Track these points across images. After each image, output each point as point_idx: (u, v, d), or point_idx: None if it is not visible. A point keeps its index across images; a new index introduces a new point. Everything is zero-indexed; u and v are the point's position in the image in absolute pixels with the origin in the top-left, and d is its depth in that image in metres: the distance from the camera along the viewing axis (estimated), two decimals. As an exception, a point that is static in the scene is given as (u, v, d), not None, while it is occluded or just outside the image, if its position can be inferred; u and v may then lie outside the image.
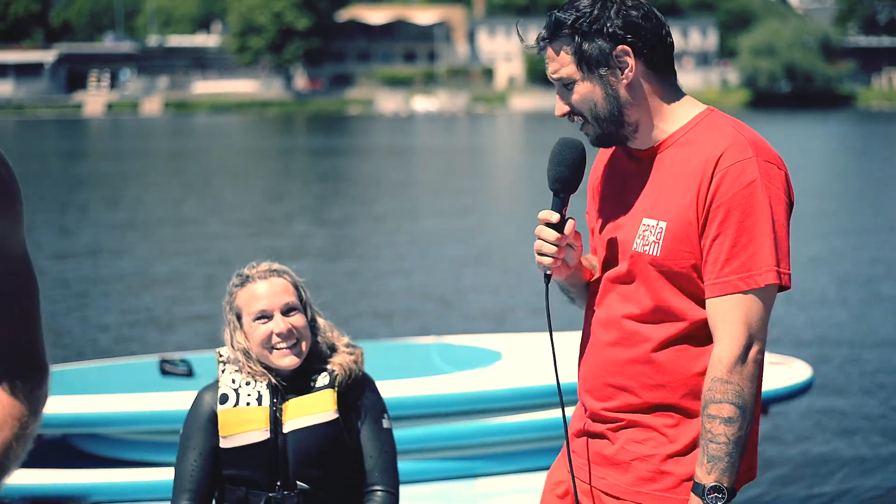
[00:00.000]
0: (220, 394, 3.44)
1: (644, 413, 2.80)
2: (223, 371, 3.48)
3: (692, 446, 2.75)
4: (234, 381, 3.45)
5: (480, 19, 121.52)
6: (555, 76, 2.80)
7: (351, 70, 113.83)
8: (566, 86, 2.78)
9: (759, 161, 2.66)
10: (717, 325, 2.66)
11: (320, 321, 3.55)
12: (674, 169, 2.73)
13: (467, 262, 16.25)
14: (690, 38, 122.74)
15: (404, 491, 5.79)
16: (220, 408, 3.42)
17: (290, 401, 3.41)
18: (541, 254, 2.83)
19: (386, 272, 15.32)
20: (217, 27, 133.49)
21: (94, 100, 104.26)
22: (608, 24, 2.67)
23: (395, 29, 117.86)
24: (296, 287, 3.49)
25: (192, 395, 3.60)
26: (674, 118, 2.78)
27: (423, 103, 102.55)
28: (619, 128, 2.77)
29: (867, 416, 8.73)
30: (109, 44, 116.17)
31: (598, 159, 3.04)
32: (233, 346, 3.48)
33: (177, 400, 5.60)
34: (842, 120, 78.67)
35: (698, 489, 2.63)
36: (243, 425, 3.39)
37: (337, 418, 3.41)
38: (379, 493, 3.43)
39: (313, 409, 3.39)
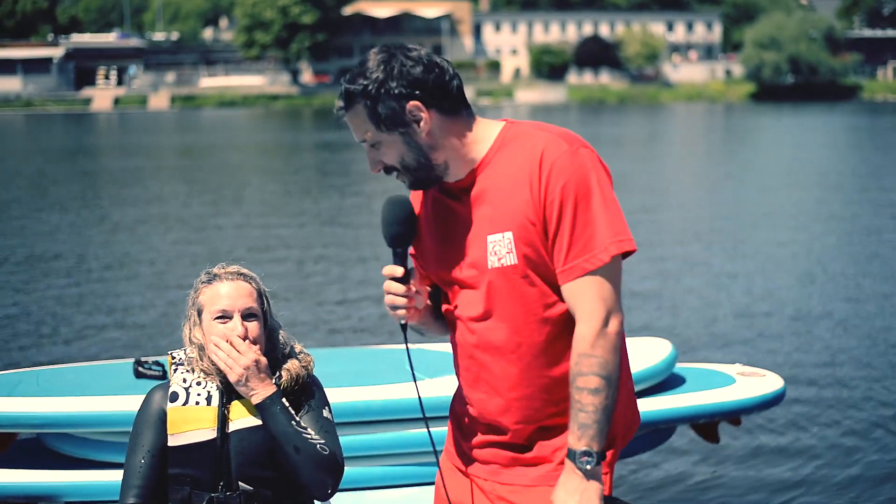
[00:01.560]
0: (170, 392, 3.45)
1: (556, 414, 3.02)
2: (175, 371, 3.50)
3: None
4: (185, 381, 3.47)
5: (486, 13, 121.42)
6: (360, 140, 2.99)
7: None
8: (373, 146, 2.96)
9: (574, 149, 2.87)
10: (575, 306, 2.87)
11: (281, 333, 3.60)
12: (498, 184, 2.93)
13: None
14: (695, 30, 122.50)
15: (380, 495, 5.94)
16: (169, 406, 3.43)
17: (237, 402, 3.44)
18: (394, 307, 3.06)
19: (370, 278, 15.43)
20: (224, 22, 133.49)
21: (102, 95, 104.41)
22: (394, 86, 2.86)
23: (401, 23, 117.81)
24: (259, 295, 3.52)
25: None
26: (479, 143, 2.98)
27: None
28: (429, 171, 2.97)
29: (840, 426, 8.83)
30: (117, 39, 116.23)
31: (413, 203, 3.17)
32: (190, 341, 3.52)
33: (148, 401, 5.74)
34: (846, 112, 78.34)
35: (571, 454, 2.84)
36: (191, 423, 3.41)
37: None
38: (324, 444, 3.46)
39: (256, 411, 3.43)
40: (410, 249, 3.17)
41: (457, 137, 2.96)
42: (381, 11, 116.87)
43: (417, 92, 2.89)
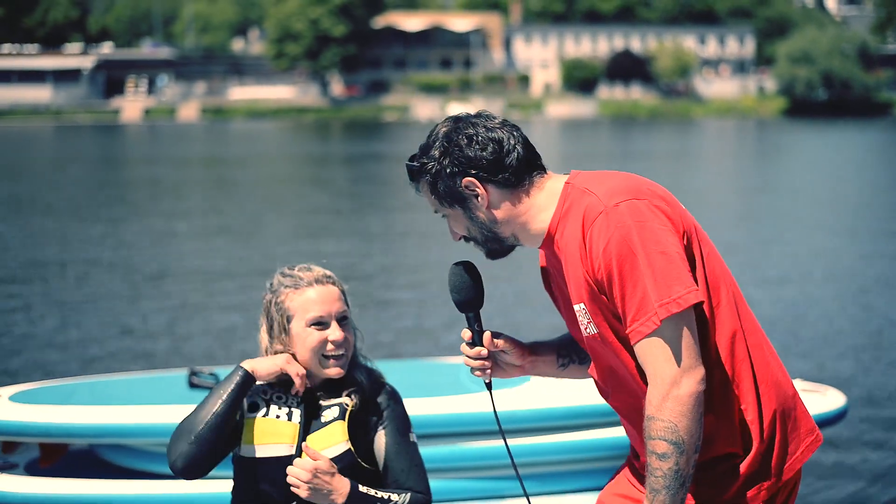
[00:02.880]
0: (250, 402, 3.40)
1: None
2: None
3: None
4: (265, 393, 3.41)
5: (516, 26, 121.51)
6: (434, 211, 3.06)
7: (387, 77, 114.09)
8: (444, 217, 3.05)
9: (610, 208, 2.79)
10: (644, 369, 2.81)
11: (358, 334, 3.54)
12: (566, 253, 2.92)
13: (498, 281, 16.21)
14: (728, 45, 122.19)
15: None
16: (248, 416, 3.38)
17: (313, 426, 3.39)
18: (472, 368, 3.14)
19: (416, 288, 15.30)
20: (254, 33, 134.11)
21: (132, 105, 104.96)
22: (447, 164, 2.93)
23: (431, 36, 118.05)
24: (344, 296, 3.48)
25: None
26: (545, 211, 2.98)
27: (458, 110, 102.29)
28: (499, 244, 3.03)
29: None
30: (147, 50, 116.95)
31: (542, 270, 3.22)
32: (266, 350, 3.44)
33: (204, 412, 5.60)
34: (880, 128, 78.03)
35: None
36: (269, 437, 3.35)
37: (348, 449, 3.36)
38: (413, 493, 3.38)
39: (324, 443, 3.36)
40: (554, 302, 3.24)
41: (519, 209, 2.99)
42: (412, 24, 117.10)
43: (472, 170, 2.94)
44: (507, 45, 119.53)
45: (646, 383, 2.85)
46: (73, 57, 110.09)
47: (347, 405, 3.39)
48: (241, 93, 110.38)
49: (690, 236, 2.86)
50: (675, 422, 2.72)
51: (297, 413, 3.37)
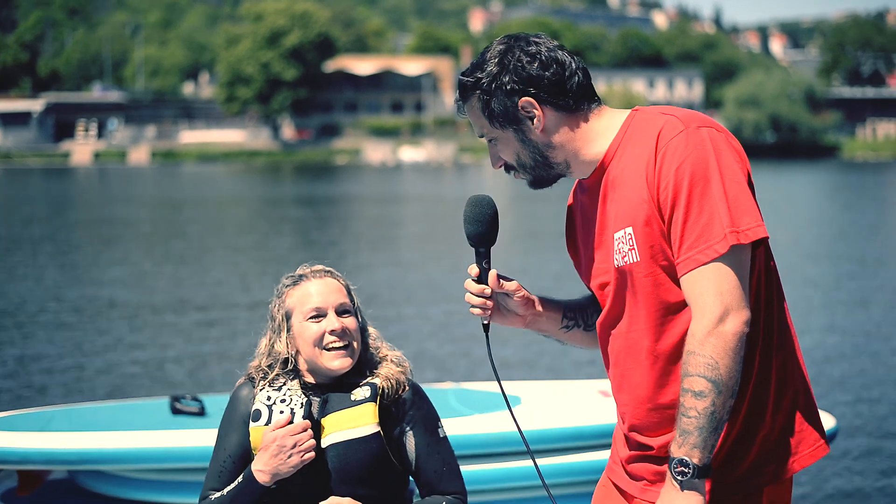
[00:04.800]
0: (252, 410, 3.28)
1: None
2: (261, 389, 3.31)
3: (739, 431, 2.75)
4: (268, 398, 3.29)
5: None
6: (479, 135, 2.91)
7: (338, 120, 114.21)
8: (490, 142, 2.88)
9: (692, 129, 2.66)
10: (690, 301, 2.64)
11: (371, 330, 3.42)
12: (622, 176, 2.77)
13: (464, 314, 16.17)
14: (676, 89, 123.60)
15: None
16: (252, 425, 3.26)
17: (329, 416, 3.24)
18: (471, 305, 2.99)
19: (400, 318, 15.26)
20: (205, 77, 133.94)
21: (82, 149, 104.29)
22: (506, 81, 2.77)
23: (383, 80, 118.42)
24: (348, 290, 3.39)
25: (204, 433, 3.47)
26: (602, 137, 2.84)
27: (410, 153, 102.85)
28: (548, 170, 2.87)
29: (894, 470, 8.66)
30: (97, 93, 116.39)
31: (568, 210, 3.11)
32: (269, 354, 3.33)
33: (188, 438, 5.52)
34: (827, 170, 79.02)
35: (670, 462, 2.61)
36: None
37: (378, 432, 3.23)
38: (452, 497, 3.29)
39: (353, 423, 3.23)
40: (573, 261, 3.11)
41: (576, 134, 2.83)
42: (363, 68, 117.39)
43: (531, 89, 2.78)
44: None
45: (661, 331, 2.73)
46: (23, 100, 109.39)
47: (380, 386, 3.28)
48: (192, 136, 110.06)
49: (751, 184, 2.74)
50: (718, 359, 2.55)
51: (299, 414, 3.24)
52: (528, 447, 3.04)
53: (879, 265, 21.95)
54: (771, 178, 64.55)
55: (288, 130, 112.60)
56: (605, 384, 6.54)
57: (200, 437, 5.52)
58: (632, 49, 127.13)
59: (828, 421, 6.35)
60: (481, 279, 2.96)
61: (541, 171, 2.87)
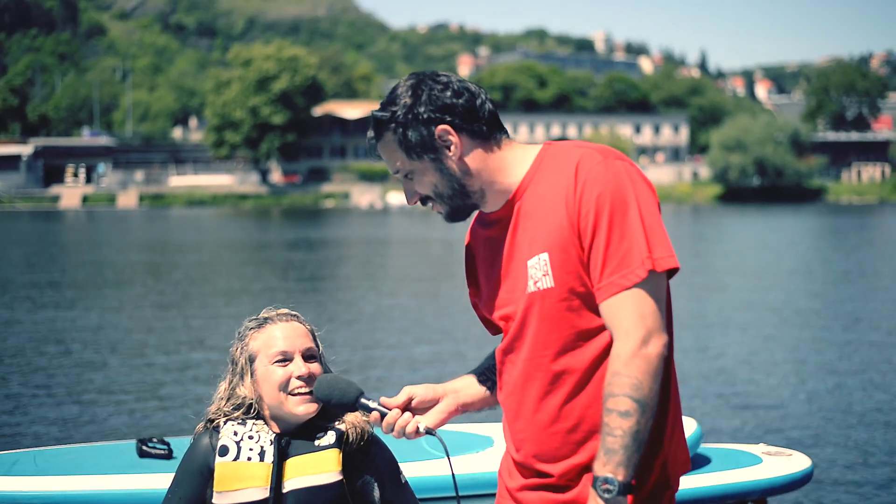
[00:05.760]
0: (220, 444, 3.17)
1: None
2: (225, 423, 3.23)
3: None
4: (235, 434, 3.19)
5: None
6: (393, 171, 2.92)
7: (326, 164, 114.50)
8: (406, 176, 2.89)
9: (610, 160, 2.74)
10: (612, 325, 2.69)
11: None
12: (537, 206, 2.82)
13: (449, 355, 16.20)
14: (662, 133, 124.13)
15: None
16: (218, 460, 3.15)
17: (293, 458, 3.16)
18: (402, 429, 3.03)
19: (377, 357, 15.25)
20: (193, 122, 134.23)
21: (71, 193, 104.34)
22: (422, 111, 2.80)
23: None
24: (313, 335, 3.31)
25: (171, 476, 3.40)
26: (516, 168, 2.88)
27: (398, 197, 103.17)
28: (464, 199, 2.89)
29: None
30: (86, 138, 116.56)
31: (466, 247, 3.13)
32: (228, 399, 3.26)
33: (155, 481, 5.50)
34: (812, 213, 79.21)
35: (594, 482, 2.63)
36: (242, 481, 3.13)
37: (341, 480, 3.17)
38: None
39: (316, 469, 3.16)
40: (471, 298, 3.13)
41: (490, 162, 2.87)
42: (351, 112, 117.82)
43: (446, 116, 2.82)
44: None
45: (569, 356, 2.77)
46: (12, 144, 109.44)
47: (344, 431, 3.22)
48: (181, 180, 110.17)
49: None
50: (642, 380, 2.60)
51: (269, 451, 3.17)
52: (456, 493, 3.10)
53: (861, 316, 22.01)
54: (757, 222, 64.75)
55: (276, 174, 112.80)
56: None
57: (168, 480, 5.47)
58: (618, 94, 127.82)
59: (803, 461, 6.37)
60: (383, 416, 3.02)
61: (457, 200, 2.88)
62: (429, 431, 3.01)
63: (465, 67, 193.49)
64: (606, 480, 2.60)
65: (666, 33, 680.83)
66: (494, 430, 6.62)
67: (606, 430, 2.62)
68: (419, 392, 3.07)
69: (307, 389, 3.19)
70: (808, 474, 6.29)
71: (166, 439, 6.08)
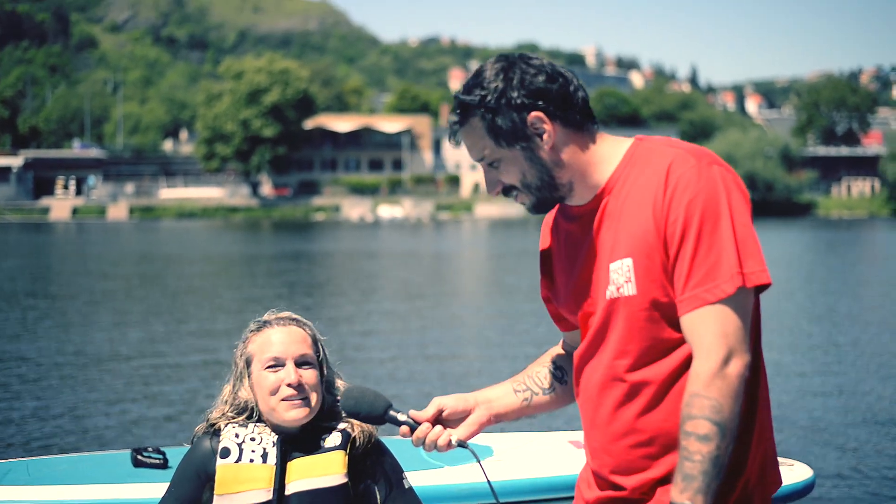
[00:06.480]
0: (221, 447, 3.12)
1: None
2: (226, 426, 3.18)
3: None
4: (237, 436, 3.14)
5: (446, 129, 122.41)
6: (477, 159, 2.74)
7: (317, 177, 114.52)
8: (491, 164, 2.72)
9: (704, 165, 2.58)
10: (692, 340, 2.54)
11: (339, 383, 3.27)
12: (625, 206, 2.66)
13: (444, 361, 16.12)
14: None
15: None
16: (220, 462, 3.10)
17: (297, 460, 3.12)
18: (436, 444, 2.92)
19: (373, 369, 15.17)
20: (184, 134, 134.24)
21: (61, 205, 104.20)
22: (514, 96, 2.62)
23: (362, 137, 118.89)
24: (314, 341, 3.23)
25: (167, 486, 3.35)
26: (606, 163, 2.72)
27: (388, 210, 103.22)
28: (553, 191, 2.72)
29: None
30: (77, 150, 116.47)
31: (542, 238, 2.99)
32: (232, 402, 3.21)
33: (150, 490, 5.42)
34: (803, 228, 79.47)
35: None
36: (244, 484, 3.08)
37: (346, 483, 3.12)
38: None
39: (321, 471, 3.11)
40: (544, 292, 2.99)
41: (582, 154, 2.69)
42: (342, 126, 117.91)
43: (540, 102, 2.62)
44: (437, 146, 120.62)
45: (647, 367, 2.64)
46: (2, 156, 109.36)
47: (353, 435, 3.17)
48: (171, 193, 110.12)
49: None
50: (722, 402, 2.46)
51: (272, 453, 3.12)
52: (496, 498, 3.01)
53: (854, 320, 22.02)
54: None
55: (267, 187, 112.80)
56: (576, 435, 6.49)
57: (163, 490, 5.37)
58: (609, 108, 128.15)
59: (804, 471, 6.29)
60: (413, 429, 2.90)
61: (545, 192, 2.71)
62: (461, 444, 2.90)
63: (456, 81, 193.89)
64: None
65: (656, 48, 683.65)
66: (492, 440, 6.54)
67: (685, 454, 2.48)
68: (449, 403, 2.93)
69: (298, 396, 3.12)
70: (809, 485, 6.22)
71: (162, 449, 5.99)
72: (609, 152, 2.73)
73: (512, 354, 16.59)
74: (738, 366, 2.50)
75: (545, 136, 2.65)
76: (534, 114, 2.63)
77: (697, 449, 2.46)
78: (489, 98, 2.63)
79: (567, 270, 2.85)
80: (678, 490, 2.47)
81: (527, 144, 2.65)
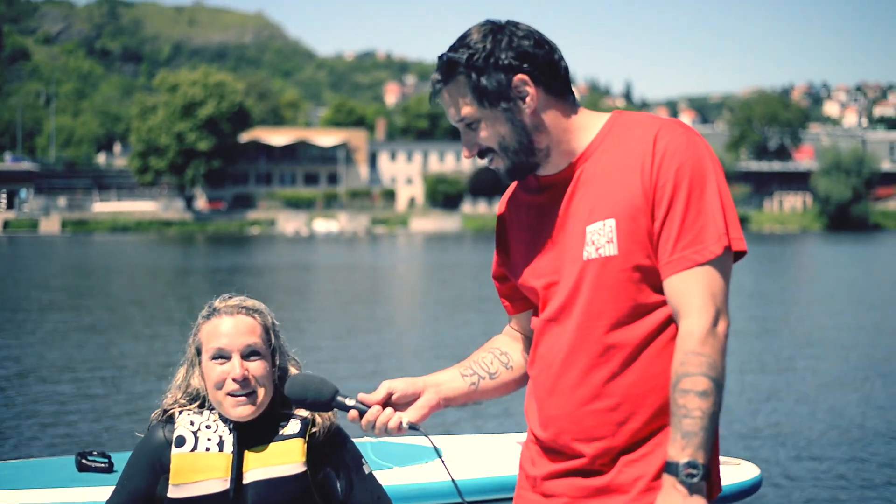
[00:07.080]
0: (175, 436, 3.02)
1: (645, 431, 2.67)
2: (180, 413, 3.07)
3: None
4: (192, 423, 3.04)
5: (381, 142, 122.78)
6: (457, 119, 2.74)
7: (252, 191, 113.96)
8: (470, 125, 2.72)
9: (692, 135, 2.65)
10: (681, 300, 2.56)
11: (293, 370, 3.16)
12: (604, 172, 2.69)
13: (379, 360, 16.11)
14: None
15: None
16: (174, 451, 3.00)
17: (254, 448, 3.03)
18: (384, 426, 2.85)
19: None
20: (118, 147, 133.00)
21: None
22: (502, 56, 2.64)
23: (297, 151, 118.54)
24: (265, 330, 3.10)
25: (112, 490, 3.25)
26: (584, 132, 2.75)
27: (323, 224, 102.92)
28: (529, 156, 2.72)
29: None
30: (8, 163, 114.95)
31: (500, 214, 2.99)
32: (183, 389, 3.11)
33: (95, 494, 5.34)
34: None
35: (672, 468, 2.46)
36: (200, 473, 2.98)
37: (305, 471, 3.03)
38: None
39: (279, 459, 3.02)
40: (497, 269, 3.01)
41: (562, 121, 2.71)
42: (278, 139, 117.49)
43: (526, 65, 2.65)
44: (373, 160, 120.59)
45: (623, 328, 2.63)
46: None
47: (312, 421, 3.09)
48: (105, 206, 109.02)
49: None
50: (716, 358, 2.49)
51: (229, 441, 3.02)
52: (461, 496, 3.00)
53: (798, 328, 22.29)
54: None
55: (201, 201, 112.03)
56: (524, 437, 6.49)
57: (108, 494, 5.31)
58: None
59: (751, 470, 6.34)
60: (362, 413, 2.83)
61: (522, 156, 2.70)
62: (412, 427, 2.85)
63: (392, 95, 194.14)
64: (690, 465, 2.44)
65: (591, 63, 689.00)
66: (440, 442, 6.54)
67: (683, 412, 2.47)
68: (399, 386, 2.88)
69: (242, 392, 3.02)
70: (756, 483, 6.26)
71: (107, 453, 5.91)
72: (587, 122, 2.76)
73: (447, 355, 16.59)
74: (724, 326, 2.55)
75: (528, 100, 2.66)
76: (519, 76, 2.64)
77: (697, 405, 2.46)
78: (477, 57, 2.64)
79: (529, 241, 2.84)
80: (678, 448, 2.46)
81: (509, 106, 2.66)
